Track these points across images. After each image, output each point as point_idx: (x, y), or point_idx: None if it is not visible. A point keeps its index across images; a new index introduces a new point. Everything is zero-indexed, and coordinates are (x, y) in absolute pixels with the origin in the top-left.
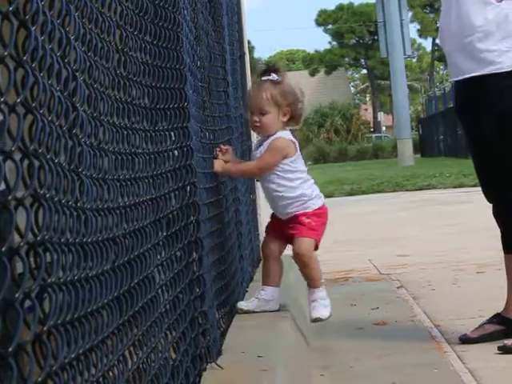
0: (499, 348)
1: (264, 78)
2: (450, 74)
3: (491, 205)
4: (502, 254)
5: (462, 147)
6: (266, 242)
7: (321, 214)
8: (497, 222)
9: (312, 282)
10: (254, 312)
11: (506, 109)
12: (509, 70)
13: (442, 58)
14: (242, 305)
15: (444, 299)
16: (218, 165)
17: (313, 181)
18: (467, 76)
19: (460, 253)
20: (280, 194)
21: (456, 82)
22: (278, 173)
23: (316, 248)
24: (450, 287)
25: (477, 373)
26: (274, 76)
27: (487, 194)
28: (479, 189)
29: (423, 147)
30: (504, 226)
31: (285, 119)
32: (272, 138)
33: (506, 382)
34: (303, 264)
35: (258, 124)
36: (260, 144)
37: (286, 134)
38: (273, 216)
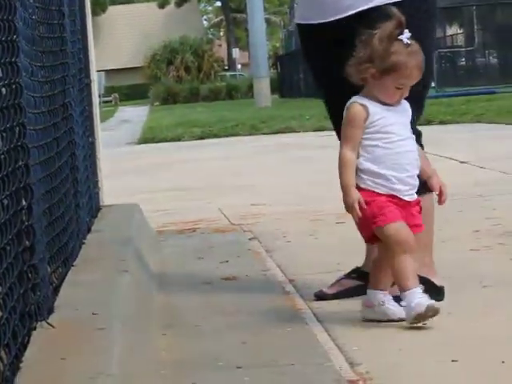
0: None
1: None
2: (310, 15)
3: None
4: None
5: None
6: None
7: None
8: None
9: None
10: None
11: None
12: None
13: None
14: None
15: (300, 252)
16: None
17: None
18: (351, 12)
19: (319, 202)
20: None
21: (321, 23)
22: None
23: None
24: (306, 239)
25: (333, 331)
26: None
27: None
28: None
29: (282, 87)
30: None
31: None
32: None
33: (364, 342)
34: None
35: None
36: (391, 110)
37: None
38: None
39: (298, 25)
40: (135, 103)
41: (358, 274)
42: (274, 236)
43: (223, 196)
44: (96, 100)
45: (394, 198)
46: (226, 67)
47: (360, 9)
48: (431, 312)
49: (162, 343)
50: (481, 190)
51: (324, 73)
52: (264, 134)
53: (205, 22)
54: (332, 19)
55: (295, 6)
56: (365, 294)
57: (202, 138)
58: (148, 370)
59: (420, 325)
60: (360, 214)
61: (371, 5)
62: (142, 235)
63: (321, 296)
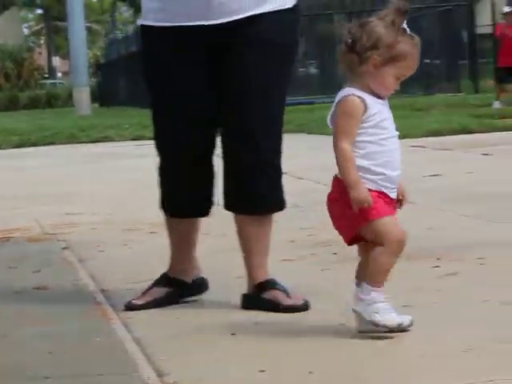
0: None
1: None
2: (179, 17)
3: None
4: None
5: (143, 96)
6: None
7: None
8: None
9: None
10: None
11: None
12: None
13: None
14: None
15: (113, 262)
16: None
17: None
18: (241, 16)
19: (135, 211)
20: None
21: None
22: None
23: None
24: (120, 249)
25: (142, 341)
26: None
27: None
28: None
29: (102, 95)
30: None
31: None
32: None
33: (172, 351)
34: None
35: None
36: (383, 104)
37: None
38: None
39: (151, 27)
40: None
41: (166, 280)
42: (88, 245)
43: (39, 205)
44: None
45: (382, 195)
46: (47, 75)
47: (250, 13)
48: (398, 330)
49: None
50: (297, 200)
51: (174, 78)
52: (83, 142)
53: (25, 30)
54: (217, 22)
55: (146, 7)
56: (174, 301)
57: (20, 146)
58: None
59: (229, 335)
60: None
61: (261, 10)
62: None
63: (130, 307)
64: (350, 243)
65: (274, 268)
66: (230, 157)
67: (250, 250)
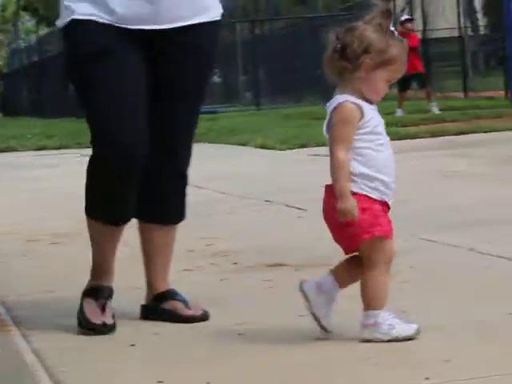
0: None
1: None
2: (128, 19)
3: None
4: (82, 224)
5: (46, 106)
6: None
7: None
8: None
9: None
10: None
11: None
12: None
13: (28, 7)
14: None
15: (13, 273)
16: None
17: None
18: (184, 23)
19: (37, 222)
20: None
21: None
22: None
23: None
24: (20, 259)
25: (42, 353)
26: None
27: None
28: (63, 151)
29: (6, 105)
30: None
31: None
32: None
33: (71, 363)
34: None
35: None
36: (374, 109)
37: None
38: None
39: (89, 22)
40: None
41: (109, 292)
42: None
43: None
44: None
45: (384, 205)
46: None
47: (192, 21)
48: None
49: None
50: (196, 209)
51: (113, 79)
52: None
53: None
54: (164, 27)
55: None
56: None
57: None
58: None
59: (128, 346)
60: (357, 219)
61: (202, 20)
62: None
63: (106, 329)
64: (349, 251)
65: (173, 278)
66: (152, 164)
67: (154, 259)
